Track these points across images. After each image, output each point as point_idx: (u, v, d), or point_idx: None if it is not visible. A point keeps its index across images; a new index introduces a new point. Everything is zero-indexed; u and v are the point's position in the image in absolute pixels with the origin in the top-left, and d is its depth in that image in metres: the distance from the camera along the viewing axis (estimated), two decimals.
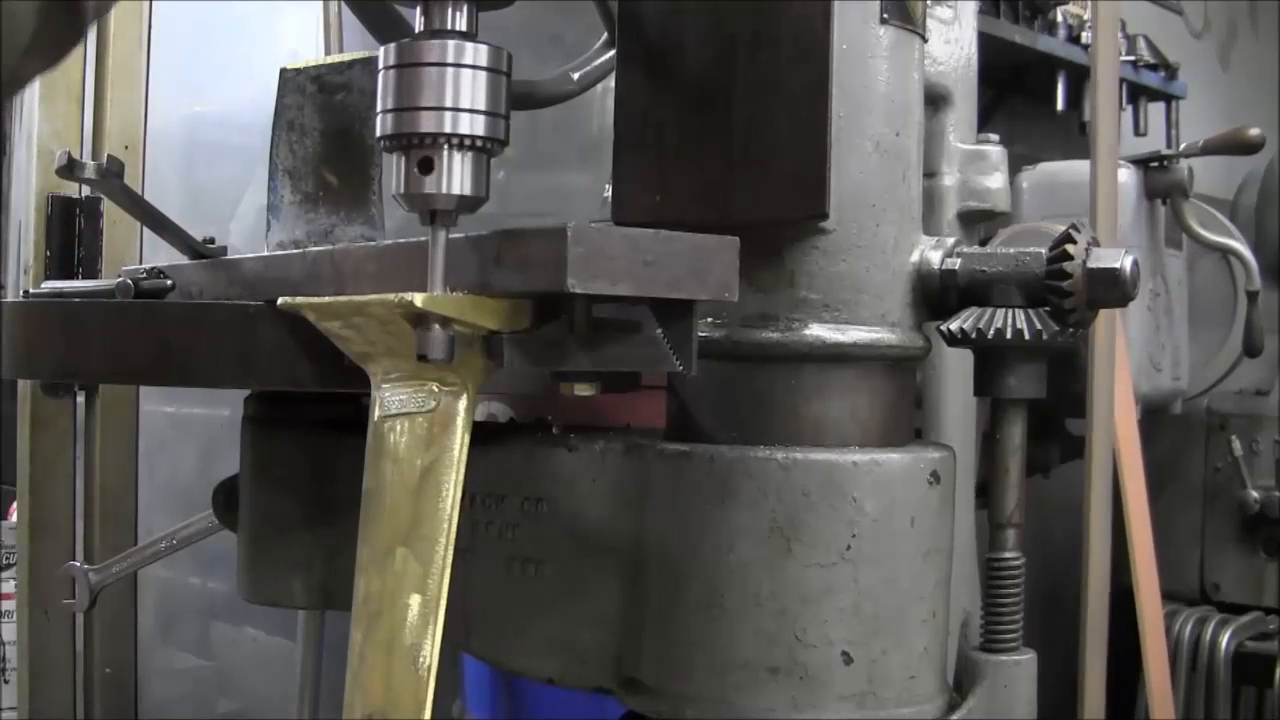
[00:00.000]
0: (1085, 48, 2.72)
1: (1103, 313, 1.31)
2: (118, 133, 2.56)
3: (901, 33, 1.23)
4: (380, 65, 1.02)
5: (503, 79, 1.02)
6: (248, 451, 1.56)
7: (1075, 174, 2.06)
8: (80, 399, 2.62)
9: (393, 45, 1.02)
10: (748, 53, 1.19)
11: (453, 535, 0.97)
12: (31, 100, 2.54)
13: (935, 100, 1.63)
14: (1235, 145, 2.34)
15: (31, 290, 1.88)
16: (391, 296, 0.97)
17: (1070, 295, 1.18)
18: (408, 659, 0.96)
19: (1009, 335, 1.19)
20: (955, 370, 1.62)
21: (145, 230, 2.32)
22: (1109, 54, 1.99)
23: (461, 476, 0.99)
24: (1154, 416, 2.45)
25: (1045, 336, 1.19)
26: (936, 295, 1.24)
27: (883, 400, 1.23)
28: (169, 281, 1.53)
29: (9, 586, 3.10)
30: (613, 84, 1.33)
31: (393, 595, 0.97)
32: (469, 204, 1.02)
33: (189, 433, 2.86)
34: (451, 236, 1.02)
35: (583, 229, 0.95)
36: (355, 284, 1.21)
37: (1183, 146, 2.41)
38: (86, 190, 2.39)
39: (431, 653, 0.95)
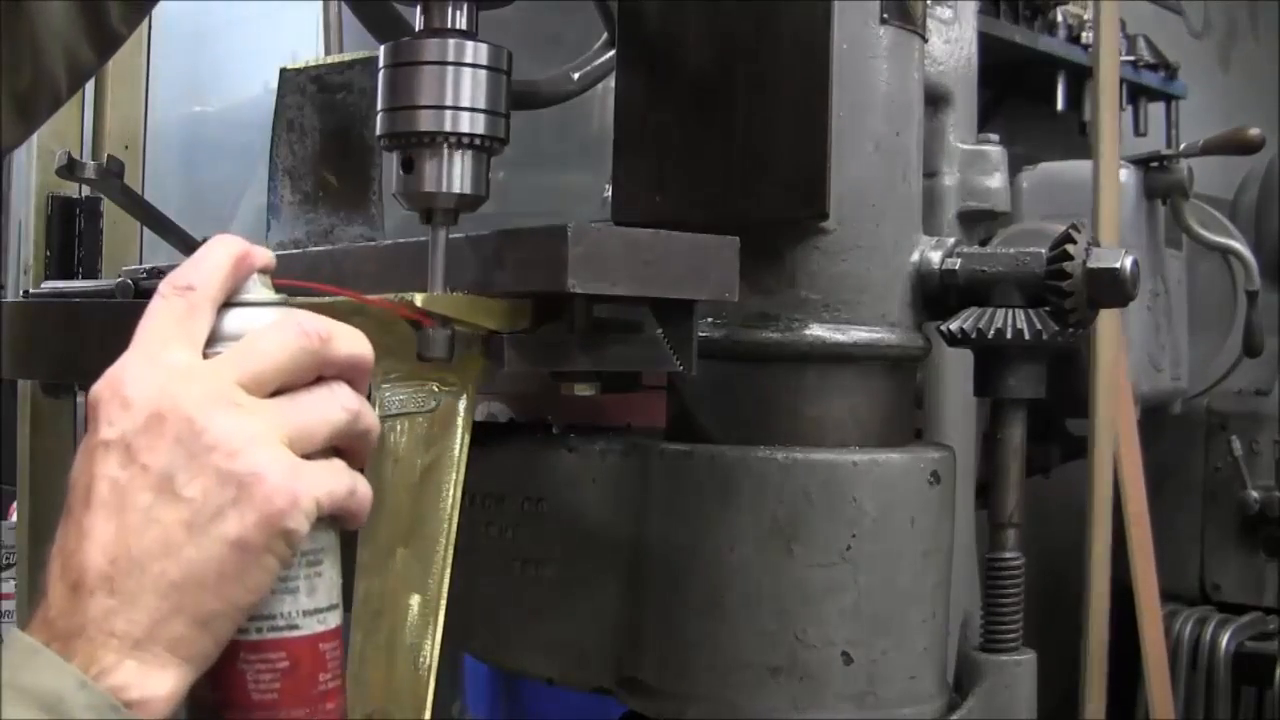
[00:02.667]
0: (1085, 48, 2.71)
1: (1103, 313, 1.31)
2: (118, 133, 2.55)
3: (901, 33, 1.23)
4: (380, 64, 1.02)
5: (502, 77, 1.02)
6: None
7: (1075, 174, 2.05)
8: (80, 399, 2.62)
9: (392, 44, 1.02)
10: (748, 53, 1.19)
11: (453, 535, 0.97)
12: None
13: (935, 100, 1.62)
14: (1235, 145, 2.34)
15: (31, 290, 1.88)
16: (391, 296, 0.97)
17: (1070, 295, 1.18)
18: (408, 659, 0.96)
19: (1009, 335, 1.19)
20: (955, 370, 1.62)
21: (145, 230, 2.32)
22: (1110, 54, 1.99)
23: (462, 476, 0.99)
24: (1154, 416, 2.44)
25: (1045, 336, 1.19)
26: (936, 295, 1.24)
27: (883, 400, 1.23)
28: None
29: (9, 586, 3.09)
30: (613, 84, 1.33)
31: (393, 595, 0.97)
32: (469, 203, 1.02)
33: None
34: (451, 236, 1.02)
35: (583, 229, 0.95)
36: (355, 284, 1.20)
37: (1183, 146, 2.40)
38: (86, 190, 2.38)
39: (431, 653, 0.95)
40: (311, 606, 0.74)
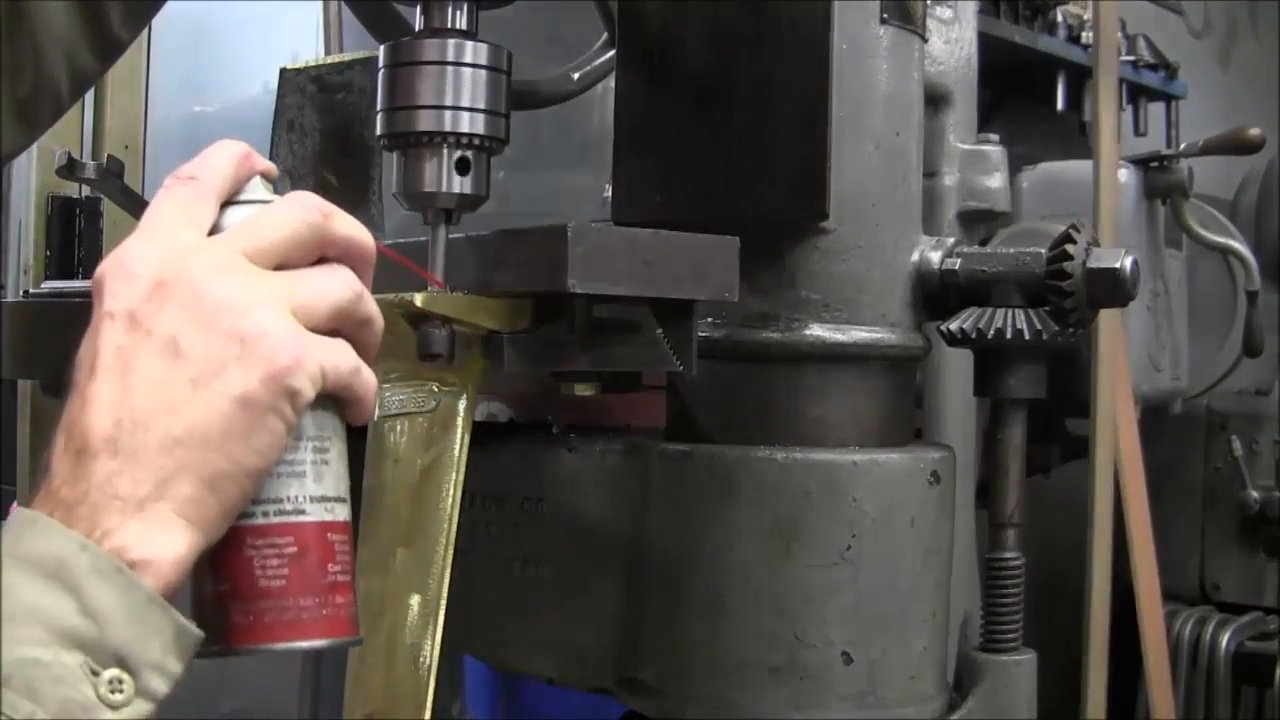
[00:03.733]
0: (1085, 48, 2.71)
1: (1103, 313, 1.31)
2: (118, 133, 2.56)
3: (901, 33, 1.23)
4: (380, 64, 1.02)
5: (502, 77, 1.02)
6: None
7: (1075, 174, 2.05)
8: None
9: (392, 44, 1.02)
10: (748, 53, 1.19)
11: (453, 535, 0.97)
12: None
13: (935, 100, 1.62)
14: (1235, 145, 2.34)
15: (31, 290, 1.88)
16: (391, 296, 0.97)
17: (1070, 295, 1.18)
18: (408, 659, 0.96)
19: (1009, 335, 1.19)
20: (955, 370, 1.62)
21: None
22: (1109, 54, 1.99)
23: (461, 476, 0.99)
24: (1154, 416, 2.44)
25: (1045, 336, 1.19)
26: (936, 295, 1.24)
27: (883, 400, 1.23)
28: None
29: None
30: (613, 84, 1.33)
31: (393, 595, 0.97)
32: (469, 202, 1.02)
33: None
34: (451, 236, 1.02)
35: (583, 229, 0.95)
36: None
37: (1183, 146, 2.40)
38: (86, 190, 2.38)
39: (431, 653, 0.95)
40: (319, 493, 0.73)
